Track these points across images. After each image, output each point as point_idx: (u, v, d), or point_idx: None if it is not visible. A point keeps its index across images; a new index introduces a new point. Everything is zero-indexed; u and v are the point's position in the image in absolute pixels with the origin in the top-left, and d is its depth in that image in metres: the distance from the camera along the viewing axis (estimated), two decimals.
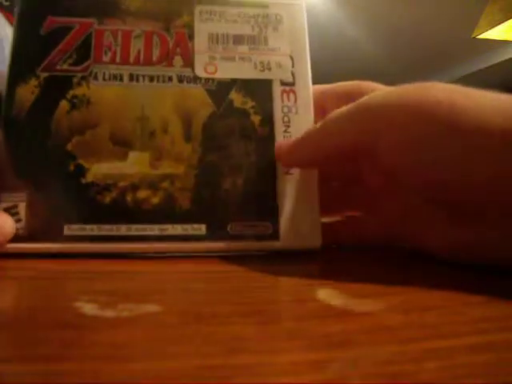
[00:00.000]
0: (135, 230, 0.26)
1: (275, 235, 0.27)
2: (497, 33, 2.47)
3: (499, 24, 2.33)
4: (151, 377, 0.10)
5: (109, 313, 0.14)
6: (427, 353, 0.11)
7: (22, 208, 0.25)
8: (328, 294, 0.18)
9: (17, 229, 0.25)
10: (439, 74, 4.13)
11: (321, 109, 0.31)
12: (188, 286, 0.19)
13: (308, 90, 0.29)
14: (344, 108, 0.24)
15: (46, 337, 0.12)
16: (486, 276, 0.20)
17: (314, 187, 0.28)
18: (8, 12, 0.54)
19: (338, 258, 0.27)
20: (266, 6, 0.30)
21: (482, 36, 2.49)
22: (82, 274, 0.21)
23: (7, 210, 0.25)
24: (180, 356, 0.11)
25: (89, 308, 0.15)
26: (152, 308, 0.15)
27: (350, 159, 0.26)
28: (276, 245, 0.27)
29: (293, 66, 0.30)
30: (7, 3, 0.55)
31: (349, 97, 0.27)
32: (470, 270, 0.20)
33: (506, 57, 3.47)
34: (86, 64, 0.28)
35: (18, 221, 0.25)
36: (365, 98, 0.23)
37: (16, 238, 0.25)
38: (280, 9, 0.30)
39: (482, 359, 0.11)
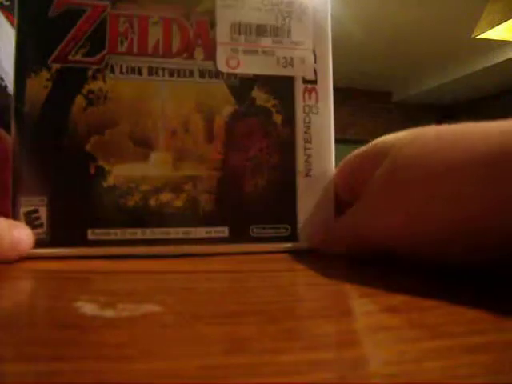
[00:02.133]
0: (160, 233, 0.25)
1: (294, 236, 0.27)
2: (497, 33, 2.47)
3: (499, 24, 2.32)
4: (151, 377, 0.10)
5: (109, 313, 0.14)
6: (427, 353, 0.11)
7: (42, 212, 0.24)
8: (328, 295, 0.18)
9: (38, 234, 0.24)
10: (439, 74, 4.13)
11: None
12: (188, 286, 0.19)
13: (329, 88, 0.28)
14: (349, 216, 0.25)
15: (46, 337, 0.12)
16: (486, 277, 0.20)
17: (331, 188, 0.28)
18: (8, 12, 0.54)
19: (338, 258, 0.27)
20: None
21: (481, 36, 2.48)
22: (83, 274, 0.21)
23: (27, 215, 0.24)
24: (180, 356, 0.11)
25: (89, 308, 0.15)
26: (152, 308, 0.15)
27: None
28: (294, 246, 0.27)
29: (315, 63, 0.28)
30: (7, 3, 0.55)
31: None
32: (470, 271, 0.20)
33: (506, 57, 3.47)
34: (100, 55, 0.25)
35: (39, 226, 0.24)
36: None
37: (38, 243, 0.24)
38: None
39: (481, 359, 0.11)
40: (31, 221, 0.24)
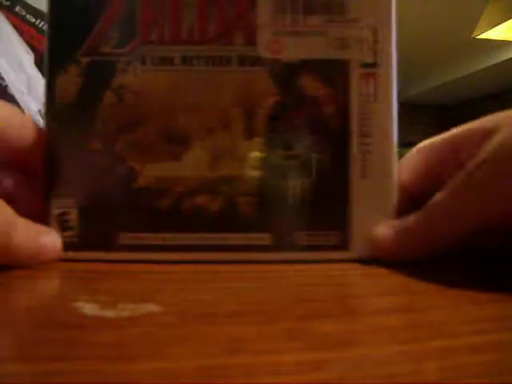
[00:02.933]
0: (194, 239, 0.23)
1: (345, 245, 0.24)
2: (497, 33, 2.47)
3: (499, 24, 2.33)
4: (151, 377, 0.10)
5: (109, 313, 0.14)
6: (427, 353, 0.11)
7: (73, 215, 0.23)
8: (328, 294, 0.18)
9: (69, 237, 0.23)
10: (439, 74, 4.13)
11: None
12: (188, 286, 0.19)
13: (391, 73, 0.24)
14: (442, 195, 0.21)
15: (47, 337, 0.12)
16: (486, 277, 0.20)
17: (393, 193, 0.24)
18: (8, 12, 0.54)
19: None
20: None
21: (481, 36, 2.49)
22: (83, 274, 0.21)
23: (59, 217, 0.23)
24: (180, 356, 0.11)
25: (89, 308, 0.15)
26: (152, 308, 0.15)
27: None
28: (346, 255, 0.23)
29: (375, 42, 0.24)
30: (7, 3, 0.55)
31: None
32: (470, 271, 0.20)
33: (506, 57, 3.46)
34: (131, 44, 0.23)
35: (70, 228, 0.23)
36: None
37: (69, 246, 0.23)
38: None
39: (482, 359, 0.11)
40: (62, 223, 0.23)
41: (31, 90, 0.51)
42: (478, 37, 2.47)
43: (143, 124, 0.23)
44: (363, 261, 0.23)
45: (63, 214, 0.23)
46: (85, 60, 0.23)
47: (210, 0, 0.24)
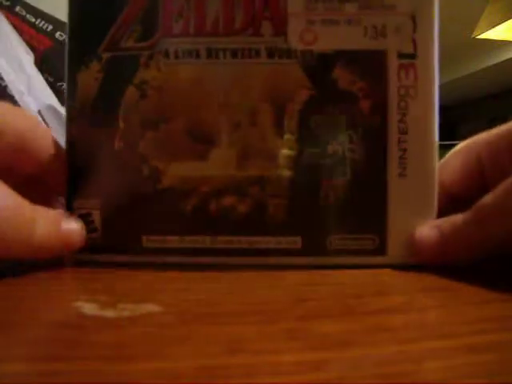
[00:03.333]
0: (221, 242, 0.22)
1: (382, 249, 0.22)
2: (497, 33, 2.48)
3: (499, 24, 2.33)
4: (151, 377, 0.10)
5: (109, 313, 0.14)
6: (427, 353, 0.11)
7: (96, 216, 0.23)
8: (327, 294, 0.18)
9: (93, 238, 0.23)
10: (439, 74, 4.12)
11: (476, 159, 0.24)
12: (188, 286, 0.19)
13: (432, 64, 0.23)
14: (498, 191, 0.19)
15: (47, 337, 0.12)
16: (486, 277, 0.20)
17: (434, 194, 0.22)
18: (8, 12, 0.54)
19: None
20: None
21: (481, 36, 2.49)
22: (83, 274, 0.21)
23: (82, 218, 0.23)
24: (180, 356, 0.11)
25: (89, 308, 0.15)
26: (152, 308, 0.15)
27: None
28: (383, 260, 0.22)
29: (415, 31, 0.22)
30: (7, 3, 0.55)
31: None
32: (470, 272, 0.20)
33: (506, 57, 3.46)
34: (153, 38, 0.23)
35: (93, 230, 0.23)
36: None
37: (93, 249, 0.22)
38: None
39: (482, 359, 0.11)
40: (85, 224, 0.23)
41: (31, 90, 0.50)
42: (478, 37, 2.47)
43: (167, 121, 0.23)
44: (401, 267, 0.21)
45: (86, 215, 0.23)
46: (106, 55, 0.23)
47: None
